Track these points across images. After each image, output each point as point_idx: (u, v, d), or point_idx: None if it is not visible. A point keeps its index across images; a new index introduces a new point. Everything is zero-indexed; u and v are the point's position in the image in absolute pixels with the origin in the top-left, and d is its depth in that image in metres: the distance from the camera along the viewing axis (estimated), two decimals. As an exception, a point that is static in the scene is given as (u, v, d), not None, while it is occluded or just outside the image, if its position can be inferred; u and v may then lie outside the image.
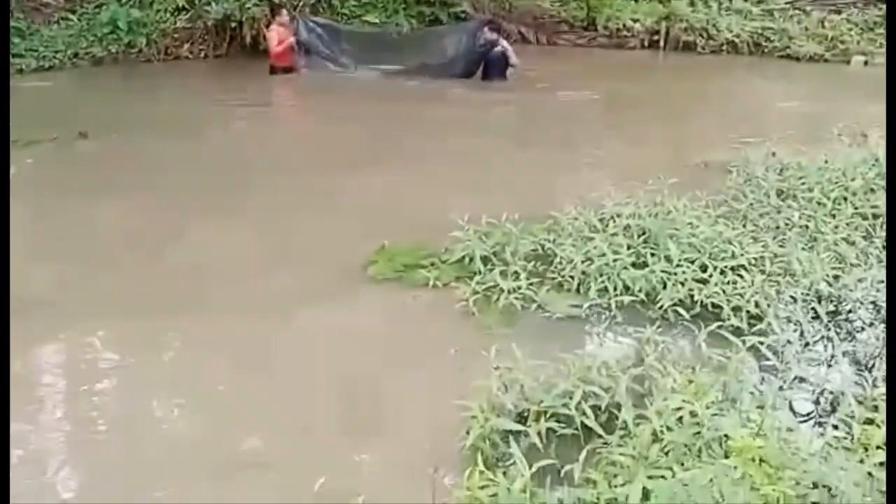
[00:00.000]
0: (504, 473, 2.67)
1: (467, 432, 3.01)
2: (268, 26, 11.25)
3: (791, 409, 3.37)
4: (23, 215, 5.26)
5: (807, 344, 3.86)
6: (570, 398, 3.12)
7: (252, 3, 11.75)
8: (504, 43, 10.81)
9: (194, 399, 3.52)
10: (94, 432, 3.30)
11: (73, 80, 10.87)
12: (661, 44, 14.08)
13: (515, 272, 4.46)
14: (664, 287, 4.26)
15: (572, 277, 4.46)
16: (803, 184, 5.71)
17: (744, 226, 5.05)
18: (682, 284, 4.26)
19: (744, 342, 3.51)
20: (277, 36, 10.87)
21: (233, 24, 11.95)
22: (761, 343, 3.63)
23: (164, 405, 3.51)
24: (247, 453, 3.14)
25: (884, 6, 14.22)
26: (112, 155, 7.41)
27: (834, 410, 3.32)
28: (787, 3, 15.04)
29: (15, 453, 2.98)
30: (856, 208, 5.31)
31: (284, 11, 11.29)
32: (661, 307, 4.14)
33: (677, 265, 4.40)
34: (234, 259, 4.98)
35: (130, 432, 3.29)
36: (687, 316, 4.04)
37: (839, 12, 14.63)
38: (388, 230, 5.10)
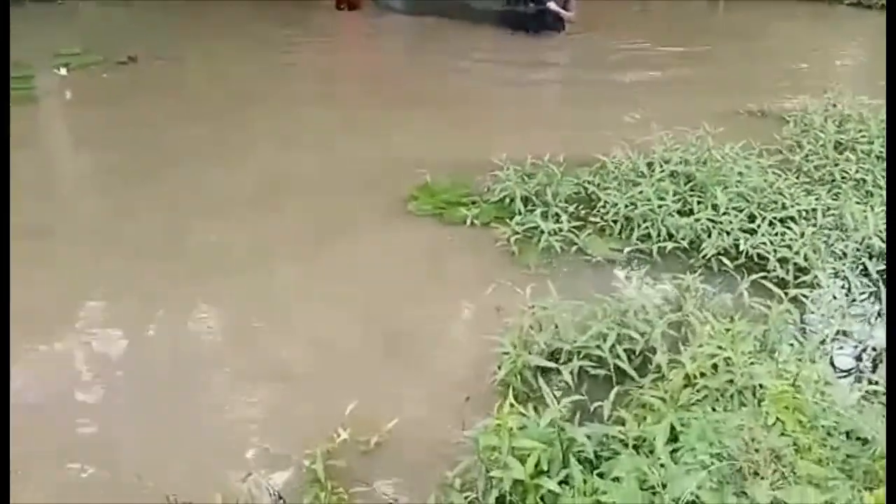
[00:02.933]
0: (535, 409, 2.70)
1: (499, 367, 3.03)
2: None
3: (831, 363, 3.31)
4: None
5: (853, 300, 3.77)
6: (605, 340, 3.11)
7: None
8: None
9: (241, 318, 3.63)
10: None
11: (128, 8, 10.90)
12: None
13: (556, 214, 4.42)
14: (709, 235, 4.18)
15: (615, 222, 4.40)
16: (863, 136, 5.47)
17: (797, 177, 4.89)
18: (728, 233, 4.17)
19: (786, 294, 3.43)
20: None
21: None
22: (805, 296, 3.55)
23: (209, 321, 3.63)
24: (284, 371, 3.24)
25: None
26: (162, 78, 7.51)
27: (875, 368, 3.25)
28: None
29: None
30: (918, 164, 5.08)
31: None
32: (704, 255, 4.07)
33: (724, 213, 4.31)
34: (280, 185, 5.07)
35: (191, 348, 3.41)
36: (731, 265, 3.96)
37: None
38: (431, 166, 5.08)
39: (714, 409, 2.55)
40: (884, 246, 4.13)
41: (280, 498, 2.49)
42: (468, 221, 4.49)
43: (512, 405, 2.56)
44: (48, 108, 6.85)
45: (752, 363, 2.87)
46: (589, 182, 4.82)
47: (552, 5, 9.64)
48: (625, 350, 3.10)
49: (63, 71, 7.33)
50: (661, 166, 4.91)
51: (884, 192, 4.62)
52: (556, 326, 3.22)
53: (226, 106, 6.77)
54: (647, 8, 12.73)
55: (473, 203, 4.67)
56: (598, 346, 3.10)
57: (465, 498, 2.39)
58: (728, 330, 3.14)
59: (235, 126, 6.22)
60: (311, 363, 3.30)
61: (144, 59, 7.86)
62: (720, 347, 2.94)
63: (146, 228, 4.49)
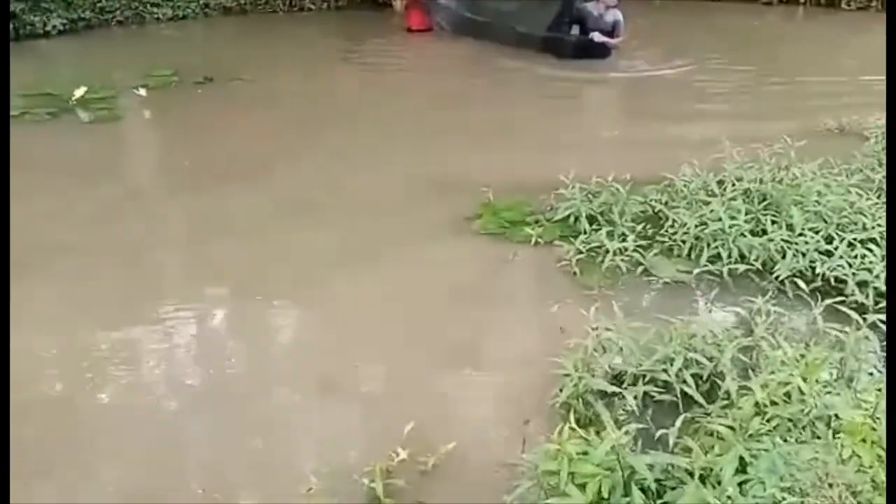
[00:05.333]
0: (597, 433, 2.64)
1: (560, 389, 2.99)
2: None
3: (916, 393, 3.13)
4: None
5: (940, 327, 3.55)
6: (671, 364, 3.03)
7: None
8: (617, 14, 9.10)
9: (303, 332, 3.71)
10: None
11: (204, 29, 11.35)
12: (801, -1, 13.05)
13: (622, 233, 4.35)
14: (783, 257, 4.02)
15: (683, 242, 4.29)
16: (954, 154, 5.19)
17: (878, 197, 4.66)
18: (804, 255, 4.01)
19: (865, 319, 3.27)
20: (406, 2, 10.84)
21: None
22: (884, 322, 3.37)
23: (272, 335, 3.70)
24: (345, 387, 3.27)
25: None
26: (236, 97, 7.78)
27: (964, 399, 3.05)
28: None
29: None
30: None
31: None
32: (777, 277, 3.93)
33: (799, 234, 4.15)
34: (344, 202, 5.16)
35: (252, 362, 3.49)
36: (805, 289, 3.81)
37: None
38: (495, 185, 5.06)
39: (785, 441, 2.44)
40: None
41: (339, 515, 2.51)
42: (532, 240, 4.46)
43: (573, 429, 2.52)
44: (127, 126, 7.16)
45: (827, 392, 2.74)
46: (656, 200, 4.72)
47: (597, 36, 8.97)
48: (692, 375, 3.00)
49: (142, 91, 7.67)
50: (734, 184, 4.78)
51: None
52: (621, 349, 3.15)
53: (296, 123, 6.96)
54: (711, 20, 12.40)
55: (537, 222, 4.64)
56: (665, 371, 3.02)
57: (524, 523, 2.36)
58: (802, 356, 3.01)
59: (304, 144, 6.39)
60: (371, 380, 3.33)
61: (220, 79, 8.14)
62: (793, 375, 2.82)
63: (214, 237, 4.63)
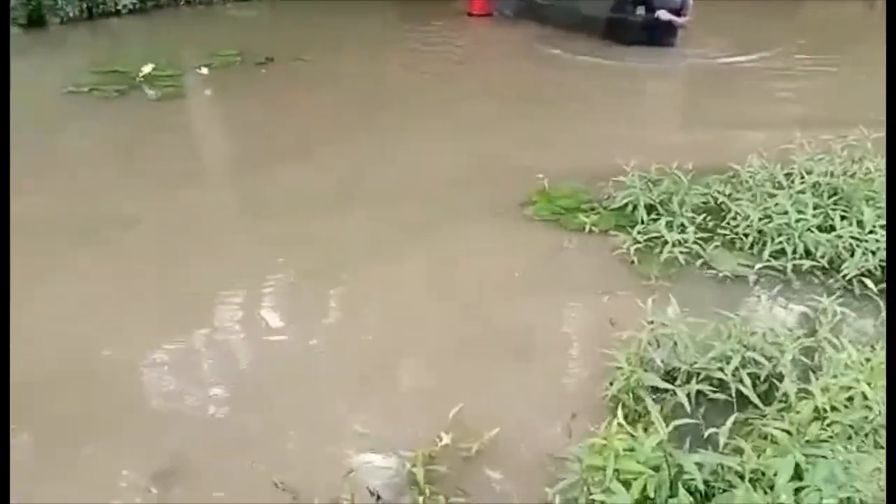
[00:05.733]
0: (644, 430, 2.57)
1: (611, 383, 2.92)
2: None
3: None
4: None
5: None
6: (727, 362, 2.92)
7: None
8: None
9: (356, 314, 3.72)
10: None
11: (269, 9, 11.46)
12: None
13: (682, 224, 4.21)
14: (851, 254, 3.84)
15: (746, 235, 4.14)
16: None
17: (960, 194, 4.40)
18: (874, 253, 3.82)
19: (939, 323, 3.08)
20: None
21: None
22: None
23: (325, 317, 3.72)
24: (394, 370, 3.27)
25: None
26: (296, 77, 7.85)
27: None
28: None
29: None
30: None
31: None
32: (844, 276, 3.75)
33: (870, 232, 3.95)
34: (400, 183, 5.16)
35: (302, 345, 3.52)
36: (874, 289, 3.63)
37: None
38: (551, 172, 4.97)
39: (846, 448, 2.32)
40: None
41: (378, 498, 2.50)
42: (587, 228, 4.36)
43: (620, 425, 2.45)
44: (189, 103, 7.30)
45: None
46: (719, 192, 4.56)
47: (663, 14, 8.56)
48: (749, 375, 2.89)
49: (205, 70, 7.81)
50: (802, 177, 4.58)
51: None
52: (675, 344, 3.06)
53: (354, 105, 7.01)
54: (797, 10, 11.90)
55: (593, 209, 4.54)
56: (720, 369, 2.91)
57: (565, 519, 2.31)
58: (868, 360, 2.87)
59: (361, 125, 6.42)
60: (420, 364, 3.31)
61: (281, 59, 8.22)
62: (857, 379, 2.69)
63: (268, 215, 4.68)
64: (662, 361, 2.99)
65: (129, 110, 6.82)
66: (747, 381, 2.85)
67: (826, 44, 9.27)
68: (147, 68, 7.49)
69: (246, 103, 7.12)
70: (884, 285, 3.64)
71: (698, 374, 2.92)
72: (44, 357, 3.26)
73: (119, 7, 10.55)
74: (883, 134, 4.85)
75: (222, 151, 6.11)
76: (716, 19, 9.59)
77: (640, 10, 8.72)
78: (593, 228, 4.35)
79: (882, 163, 4.58)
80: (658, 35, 8.69)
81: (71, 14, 10.01)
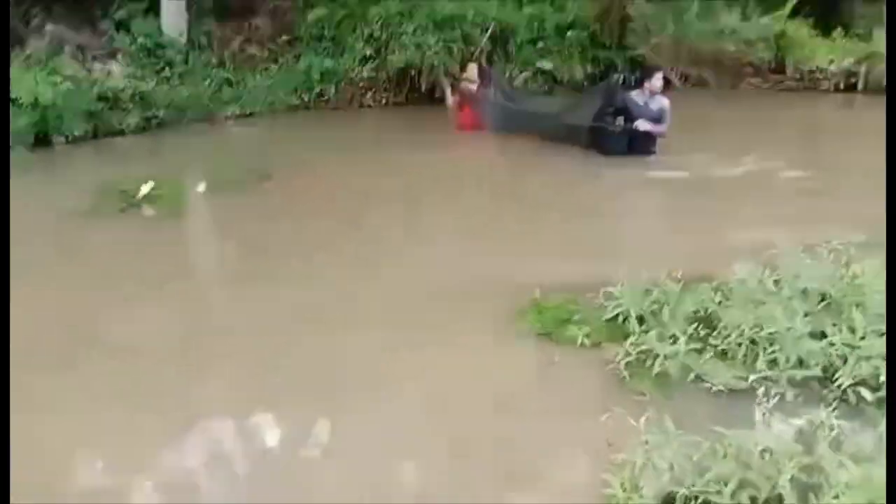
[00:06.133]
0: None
1: (606, 511, 2.85)
2: (453, 83, 11.42)
3: None
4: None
5: None
6: (725, 484, 2.86)
7: (432, 52, 12.24)
8: (663, 102, 8.84)
9: (345, 433, 3.66)
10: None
11: (270, 126, 11.81)
12: (860, 86, 12.91)
13: (673, 335, 4.21)
14: (844, 362, 3.82)
15: (738, 345, 4.13)
16: None
17: (949, 295, 4.42)
18: (867, 360, 3.81)
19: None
20: (458, 101, 11.00)
21: (412, 73, 12.49)
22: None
23: (307, 435, 3.66)
24: (384, 493, 3.19)
25: None
26: (292, 195, 8.00)
27: None
28: None
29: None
30: None
31: (472, 66, 11.22)
32: (839, 385, 3.72)
33: (862, 338, 3.94)
34: (388, 299, 5.16)
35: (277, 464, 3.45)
36: (870, 398, 3.60)
37: None
38: (542, 284, 5.00)
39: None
40: None
41: None
42: (579, 341, 4.36)
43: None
44: (186, 222, 7.45)
45: (897, 522, 2.53)
46: (709, 300, 4.58)
47: (641, 124, 8.69)
48: (748, 497, 2.83)
49: (203, 188, 8.02)
50: (791, 283, 4.61)
51: None
52: (672, 466, 3.00)
53: (347, 218, 7.10)
54: (767, 110, 12.26)
55: (584, 322, 4.55)
56: (718, 492, 2.86)
57: None
58: (872, 477, 2.81)
59: (352, 238, 6.49)
60: (408, 487, 3.24)
61: (279, 175, 8.41)
62: (859, 500, 2.63)
63: (256, 334, 4.68)
64: (659, 485, 2.93)
65: (124, 230, 6.93)
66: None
67: (806, 147, 9.54)
68: (146, 188, 7.67)
69: (242, 219, 7.24)
70: (881, 393, 3.62)
71: (696, 497, 2.86)
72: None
73: (123, 126, 10.90)
74: (865, 238, 4.94)
75: (210, 269, 6.18)
76: (694, 125, 9.84)
77: (619, 121, 8.86)
78: (585, 341, 4.35)
79: (868, 266, 4.61)
80: (638, 145, 8.81)
81: (77, 133, 10.34)
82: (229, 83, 12.37)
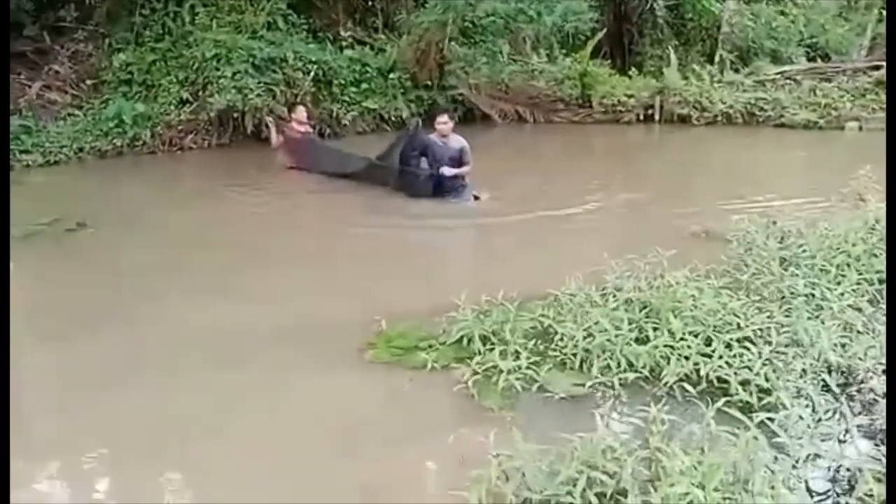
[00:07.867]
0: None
1: (466, 527, 2.86)
2: (279, 124, 11.28)
3: (807, 488, 3.22)
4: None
5: (819, 419, 3.72)
6: (574, 485, 2.99)
7: (254, 94, 12.03)
8: (461, 141, 8.72)
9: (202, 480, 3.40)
10: None
11: (78, 174, 10.97)
12: (657, 117, 14.39)
13: (515, 351, 4.37)
14: (668, 362, 4.15)
15: (574, 355, 4.36)
16: (805, 251, 5.65)
17: (748, 296, 4.96)
18: (687, 359, 4.16)
19: (751, 419, 3.37)
20: (282, 142, 10.79)
21: (235, 115, 12.20)
22: (771, 419, 3.49)
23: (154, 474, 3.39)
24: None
25: (874, 73, 14.54)
26: (108, 242, 7.45)
27: (852, 489, 3.16)
28: (777, 74, 15.42)
29: None
30: (860, 274, 5.24)
31: (301, 108, 11.08)
32: (665, 383, 4.02)
33: (681, 339, 4.31)
34: (229, 342, 4.91)
35: None
36: (693, 392, 3.93)
37: (829, 80, 14.97)
38: (386, 314, 4.99)
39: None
40: (840, 361, 4.16)
41: None
42: (427, 365, 4.39)
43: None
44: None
45: (725, 499, 2.77)
46: (545, 316, 4.81)
47: (446, 170, 8.58)
48: (596, 494, 2.97)
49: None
50: (615, 295, 4.95)
51: (833, 306, 4.71)
52: (523, 475, 3.08)
53: (170, 263, 6.70)
54: (585, 130, 13.28)
55: (431, 346, 4.60)
56: (569, 493, 2.97)
57: None
58: (699, 463, 3.05)
59: (179, 283, 6.12)
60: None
61: (92, 223, 7.80)
62: (693, 485, 2.84)
63: (74, 393, 4.28)
64: (514, 494, 3.00)
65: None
66: (595, 501, 2.92)
67: (624, 172, 10.35)
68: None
69: (50, 274, 6.62)
70: (702, 386, 3.96)
71: (548, 501, 2.96)
72: None
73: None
74: (675, 251, 5.42)
75: (18, 327, 5.59)
76: (511, 157, 10.36)
77: (423, 163, 8.83)
78: (434, 365, 4.39)
79: (680, 275, 5.05)
80: (443, 187, 8.70)
81: None
82: (27, 131, 11.39)
